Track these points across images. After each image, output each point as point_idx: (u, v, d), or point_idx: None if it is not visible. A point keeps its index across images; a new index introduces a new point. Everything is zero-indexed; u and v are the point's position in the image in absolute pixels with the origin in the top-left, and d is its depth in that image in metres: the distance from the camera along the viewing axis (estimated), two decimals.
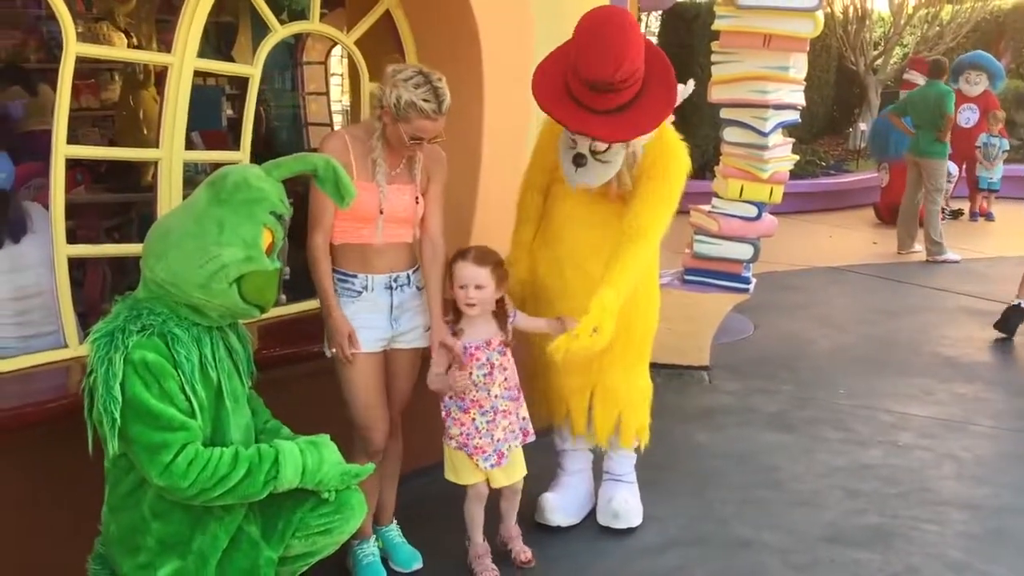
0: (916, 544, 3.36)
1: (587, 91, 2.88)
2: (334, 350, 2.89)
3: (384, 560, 3.16)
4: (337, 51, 8.93)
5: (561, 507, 3.44)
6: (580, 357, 3.00)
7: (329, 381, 2.97)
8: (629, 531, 3.44)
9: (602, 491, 3.53)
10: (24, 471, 2.77)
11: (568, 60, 2.94)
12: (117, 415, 2.24)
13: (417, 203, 2.95)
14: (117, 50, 5.41)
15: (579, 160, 3.05)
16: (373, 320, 2.91)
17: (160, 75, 6.31)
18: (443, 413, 3.08)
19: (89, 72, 7.43)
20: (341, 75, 10.24)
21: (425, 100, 2.74)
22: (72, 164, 5.99)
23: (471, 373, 2.98)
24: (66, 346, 3.07)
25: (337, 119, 9.71)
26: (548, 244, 3.29)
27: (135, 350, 2.27)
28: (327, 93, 9.24)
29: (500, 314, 3.08)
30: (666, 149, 3.18)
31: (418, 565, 3.18)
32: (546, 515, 3.42)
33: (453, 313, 3.03)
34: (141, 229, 5.46)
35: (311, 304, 3.44)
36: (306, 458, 2.42)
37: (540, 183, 3.35)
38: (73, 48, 2.96)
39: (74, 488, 2.71)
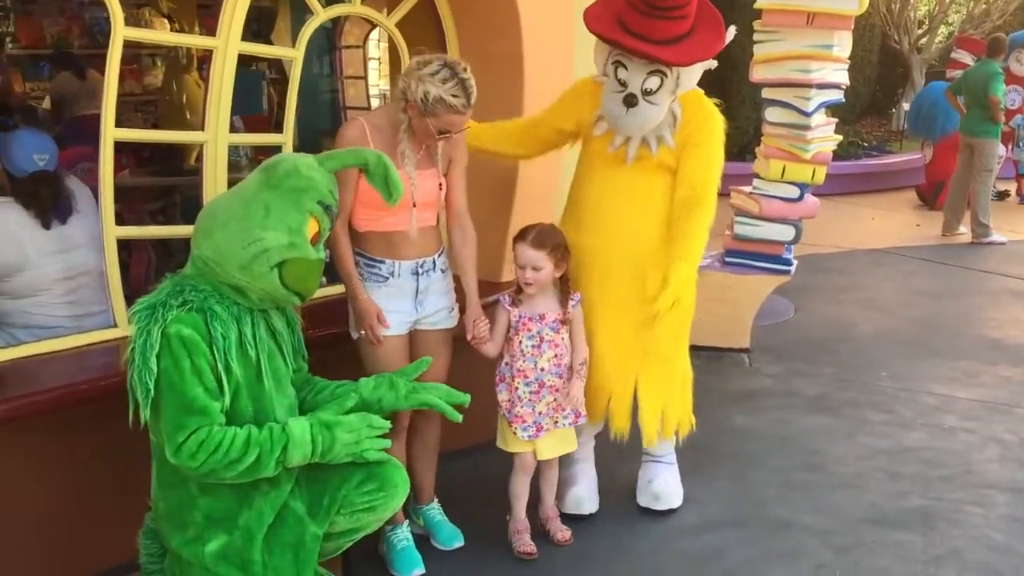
0: (959, 527, 3.34)
1: (645, 20, 2.91)
2: (362, 332, 2.91)
3: (425, 538, 3.18)
4: (375, 35, 8.95)
5: (588, 496, 3.43)
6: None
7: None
8: (668, 512, 3.44)
9: (642, 472, 3.52)
10: (76, 448, 2.85)
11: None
12: (151, 385, 2.31)
13: (440, 188, 2.96)
14: (163, 34, 5.49)
15: (630, 100, 3.04)
16: (399, 304, 2.92)
17: (202, 60, 6.40)
18: (496, 378, 3.14)
19: (131, 57, 7.53)
20: (378, 59, 10.28)
21: (454, 95, 2.71)
22: (116, 148, 6.09)
23: (520, 342, 3.05)
24: (116, 326, 3.14)
25: (375, 103, 9.76)
26: (587, 216, 3.26)
27: (172, 324, 2.33)
28: (365, 77, 9.27)
29: (562, 291, 3.12)
30: (705, 113, 3.20)
31: (459, 543, 3.20)
32: (582, 506, 3.40)
33: (516, 285, 3.11)
34: (184, 212, 5.57)
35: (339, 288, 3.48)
36: (316, 442, 2.45)
37: (551, 123, 3.33)
38: (121, 32, 3.00)
39: (125, 465, 2.77)
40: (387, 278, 2.91)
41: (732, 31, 3.13)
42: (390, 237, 2.89)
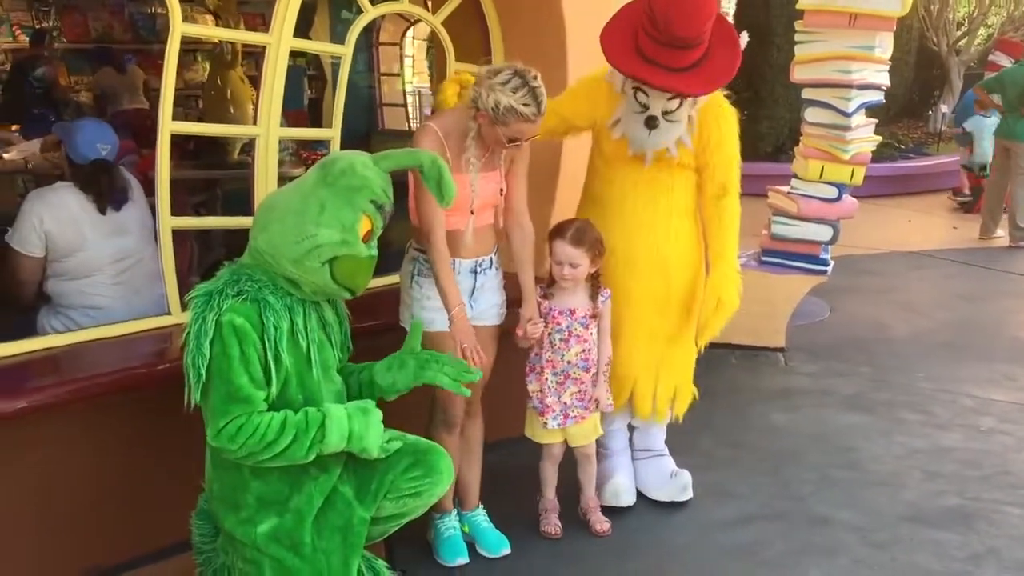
0: (997, 526, 3.35)
1: (662, 49, 2.96)
2: (411, 319, 2.94)
3: (471, 545, 3.20)
4: (410, 33, 9.03)
5: (626, 488, 3.47)
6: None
7: None
8: (704, 505, 3.49)
9: (655, 467, 3.56)
10: (131, 431, 2.94)
11: (634, 22, 3.03)
12: (203, 370, 2.39)
13: (501, 193, 3.01)
14: (220, 30, 5.58)
15: (652, 123, 3.11)
16: None
17: (246, 55, 6.51)
18: (526, 368, 3.21)
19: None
20: (412, 56, 10.39)
21: (525, 104, 2.75)
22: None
23: (549, 334, 3.13)
24: (169, 313, 3.23)
25: (410, 100, 9.85)
26: (611, 215, 3.30)
27: (227, 312, 2.40)
28: (401, 74, 9.36)
29: (593, 286, 3.18)
30: (720, 111, 3.27)
31: (506, 551, 3.18)
32: (621, 498, 3.45)
33: (548, 278, 3.18)
34: (225, 205, 5.67)
35: (389, 279, 3.56)
36: (352, 423, 2.50)
37: (564, 115, 3.30)
38: (179, 28, 3.08)
39: (178, 448, 2.85)
40: None
41: (745, 37, 3.17)
42: (453, 235, 2.92)
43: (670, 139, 3.17)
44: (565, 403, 3.18)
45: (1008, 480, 3.71)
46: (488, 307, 3.07)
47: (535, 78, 2.78)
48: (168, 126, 3.15)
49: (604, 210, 3.33)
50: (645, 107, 3.12)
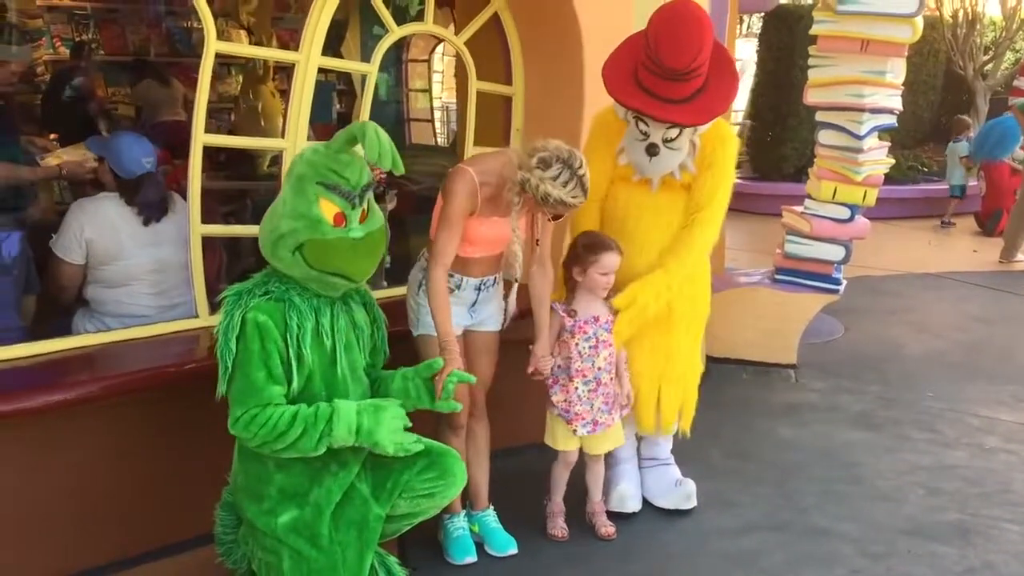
0: (995, 542, 3.43)
1: (661, 81, 3.09)
2: (423, 333, 3.11)
3: (479, 545, 3.32)
4: (439, 49, 9.21)
5: (632, 495, 3.60)
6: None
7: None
8: (706, 513, 3.60)
9: (660, 476, 3.68)
10: (160, 426, 3.09)
11: (634, 57, 3.18)
12: (230, 363, 2.56)
13: (536, 243, 3.17)
14: (251, 48, 5.77)
15: (652, 150, 3.25)
16: (456, 310, 3.09)
17: (277, 70, 6.70)
18: (549, 381, 3.33)
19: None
20: (442, 72, 10.60)
21: (574, 196, 2.91)
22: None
23: (577, 344, 3.27)
24: (197, 316, 3.39)
25: (437, 115, 10.04)
26: (614, 234, 3.39)
27: (252, 311, 2.58)
28: (429, 90, 9.54)
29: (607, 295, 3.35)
30: (722, 137, 3.40)
31: (513, 550, 3.31)
32: (627, 504, 3.57)
33: (568, 293, 3.35)
34: (255, 215, 5.83)
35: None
36: (362, 419, 2.60)
37: (601, 193, 3.45)
38: (213, 45, 3.25)
39: (203, 442, 3.00)
40: (452, 290, 3.09)
41: (744, 66, 3.30)
42: (465, 260, 3.08)
43: (672, 165, 3.31)
44: (597, 409, 3.32)
45: (1009, 498, 3.78)
46: (488, 315, 3.24)
47: (581, 165, 2.92)
48: (200, 138, 3.31)
49: (607, 230, 3.45)
50: (646, 135, 3.26)
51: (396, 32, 3.73)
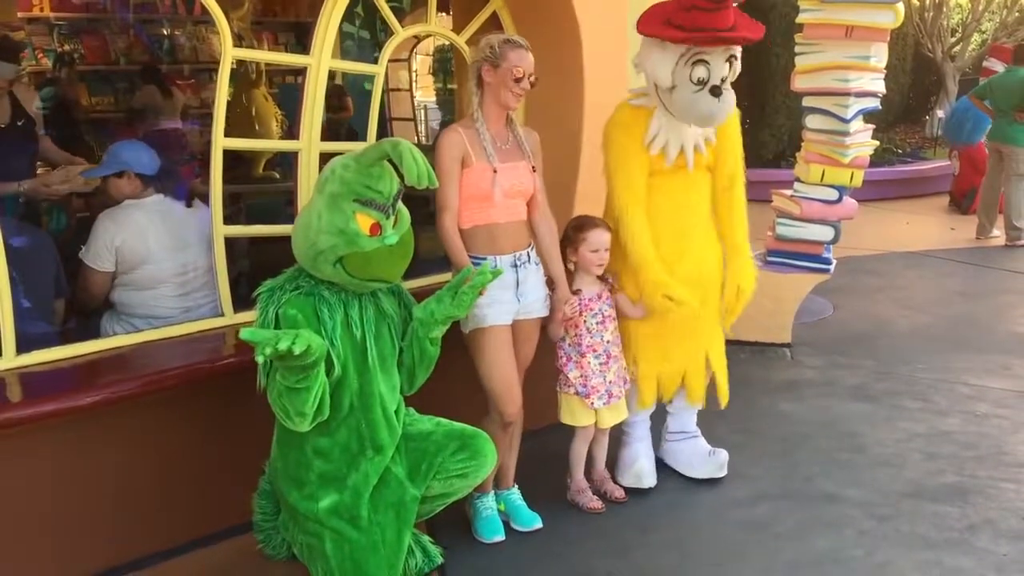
0: (993, 500, 3.60)
1: (706, 15, 3.16)
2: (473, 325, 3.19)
3: (505, 522, 3.44)
4: (418, 48, 9.36)
5: (648, 472, 3.75)
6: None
7: (461, 356, 3.24)
8: (719, 485, 3.75)
9: (692, 447, 3.85)
10: (192, 420, 3.21)
11: (664, 12, 3.28)
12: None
13: (533, 171, 3.28)
14: (267, 53, 5.85)
15: (716, 91, 3.28)
16: (503, 295, 3.21)
17: (269, 75, 6.77)
18: (562, 361, 3.49)
19: (190, 72, 7.95)
20: (416, 71, 10.77)
21: (512, 37, 3.20)
22: (189, 157, 6.47)
23: (585, 321, 3.43)
24: (223, 315, 3.49)
25: (419, 114, 10.17)
26: (659, 228, 3.50)
27: (284, 306, 2.72)
28: (410, 89, 9.66)
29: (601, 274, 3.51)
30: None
31: (538, 525, 3.45)
32: (643, 480, 3.72)
33: (569, 276, 3.46)
34: (248, 218, 5.92)
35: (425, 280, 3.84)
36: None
37: (643, 194, 3.48)
38: (230, 52, 3.36)
39: (235, 435, 3.12)
40: (491, 278, 3.13)
41: None
42: (490, 230, 3.19)
43: (732, 105, 3.36)
44: (610, 381, 3.48)
45: (1003, 459, 3.96)
46: (534, 300, 3.34)
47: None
48: (221, 142, 3.43)
49: (662, 224, 3.51)
50: (702, 83, 3.27)
51: (401, 33, 3.85)
